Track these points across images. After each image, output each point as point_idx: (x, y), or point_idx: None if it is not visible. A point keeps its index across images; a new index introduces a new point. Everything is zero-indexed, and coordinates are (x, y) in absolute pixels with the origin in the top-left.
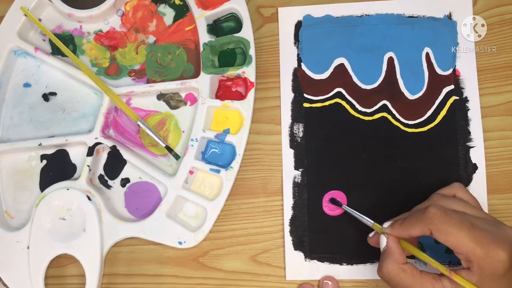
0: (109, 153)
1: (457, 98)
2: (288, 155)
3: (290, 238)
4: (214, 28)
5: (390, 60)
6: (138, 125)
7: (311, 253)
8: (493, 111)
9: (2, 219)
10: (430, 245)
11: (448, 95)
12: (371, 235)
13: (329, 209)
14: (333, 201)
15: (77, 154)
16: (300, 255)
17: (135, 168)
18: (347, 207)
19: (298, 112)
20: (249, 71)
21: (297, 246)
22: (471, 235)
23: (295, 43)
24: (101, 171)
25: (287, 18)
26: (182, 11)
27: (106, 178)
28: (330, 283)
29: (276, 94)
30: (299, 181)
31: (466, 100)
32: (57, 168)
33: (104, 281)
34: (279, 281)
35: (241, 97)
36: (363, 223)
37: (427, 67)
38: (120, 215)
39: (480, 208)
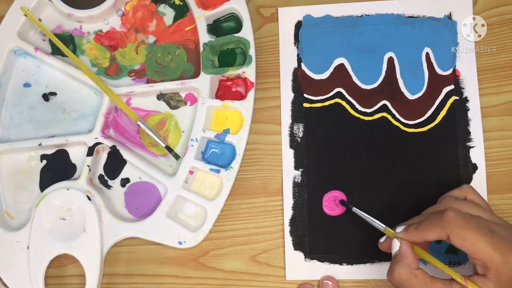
0: (109, 153)
1: (457, 98)
2: (288, 155)
3: (290, 238)
4: (214, 28)
5: (390, 60)
6: (138, 125)
7: (311, 253)
8: (493, 111)
9: (2, 219)
10: (430, 245)
11: (448, 95)
12: (382, 240)
13: (329, 209)
14: (343, 202)
15: (77, 154)
16: (300, 255)
17: (135, 168)
18: (357, 209)
19: (298, 112)
20: (249, 71)
21: (297, 246)
22: (490, 241)
23: (295, 43)
24: (101, 171)
25: (287, 18)
26: (182, 11)
27: (106, 178)
28: (330, 283)
29: (276, 94)
30: (299, 181)
31: (466, 100)
32: (57, 168)
33: (104, 281)
34: (279, 281)
35: (241, 97)
36: (364, 224)
37: (427, 67)
38: (120, 215)
39: (491, 211)
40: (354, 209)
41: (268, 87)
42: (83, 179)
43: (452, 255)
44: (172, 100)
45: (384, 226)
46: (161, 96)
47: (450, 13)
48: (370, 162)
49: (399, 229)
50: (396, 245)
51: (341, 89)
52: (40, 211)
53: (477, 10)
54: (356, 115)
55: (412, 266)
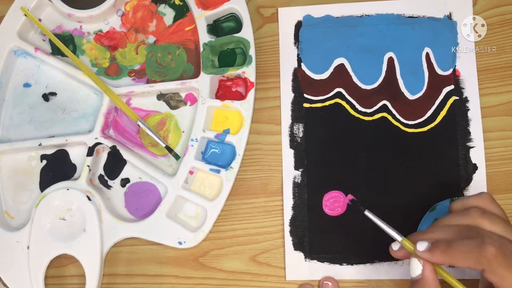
0: (109, 153)
1: (457, 98)
2: (288, 155)
3: (290, 238)
4: (214, 28)
5: (390, 60)
6: (138, 125)
7: (311, 253)
8: (493, 111)
9: (2, 219)
10: None
11: (448, 95)
12: (396, 248)
13: (329, 209)
14: (354, 202)
15: (77, 154)
16: (300, 255)
17: (135, 168)
18: (370, 213)
19: (298, 112)
20: (249, 71)
21: (297, 246)
22: None
23: (295, 43)
24: (101, 171)
25: (287, 18)
26: (182, 11)
27: (106, 178)
28: (330, 283)
29: (276, 94)
30: (299, 181)
31: (466, 100)
32: (57, 168)
33: (104, 281)
34: (279, 281)
35: (241, 97)
36: (364, 224)
37: (427, 67)
38: (120, 215)
39: (507, 220)
40: (367, 213)
41: (268, 87)
42: (83, 179)
43: None
44: (172, 100)
45: (402, 237)
46: (161, 96)
47: (450, 13)
48: (370, 162)
49: (421, 246)
50: (417, 267)
51: (341, 89)
52: (40, 211)
53: (477, 10)
54: (356, 115)
55: None
